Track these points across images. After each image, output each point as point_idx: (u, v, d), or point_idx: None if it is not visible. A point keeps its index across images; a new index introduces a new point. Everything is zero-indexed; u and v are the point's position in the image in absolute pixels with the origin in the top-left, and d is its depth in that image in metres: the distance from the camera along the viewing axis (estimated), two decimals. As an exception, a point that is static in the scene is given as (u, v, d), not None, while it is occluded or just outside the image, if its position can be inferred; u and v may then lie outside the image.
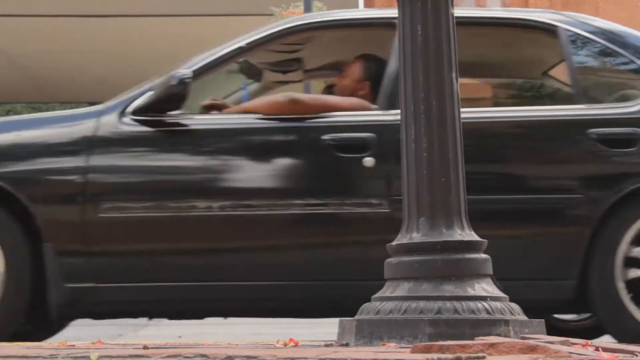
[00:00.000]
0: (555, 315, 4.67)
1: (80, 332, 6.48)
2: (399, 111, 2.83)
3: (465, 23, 3.83)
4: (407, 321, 2.58)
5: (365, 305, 2.75)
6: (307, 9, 10.80)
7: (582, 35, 4.13)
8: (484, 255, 2.74)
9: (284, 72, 4.78)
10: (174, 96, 3.91)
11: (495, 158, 4.01)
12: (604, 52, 4.19)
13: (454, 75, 2.78)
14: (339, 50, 4.57)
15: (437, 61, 2.76)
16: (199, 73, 4.10)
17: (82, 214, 3.82)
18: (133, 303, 3.85)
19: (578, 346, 2.45)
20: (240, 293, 3.83)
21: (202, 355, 2.14)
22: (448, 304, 2.60)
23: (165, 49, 15.39)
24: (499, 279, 2.77)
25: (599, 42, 4.14)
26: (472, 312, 2.59)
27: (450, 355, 2.15)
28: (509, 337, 2.53)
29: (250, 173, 3.92)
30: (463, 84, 3.04)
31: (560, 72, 4.64)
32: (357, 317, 2.72)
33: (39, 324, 4.09)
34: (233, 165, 3.93)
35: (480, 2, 31.81)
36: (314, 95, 5.01)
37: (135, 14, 13.38)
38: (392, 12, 3.66)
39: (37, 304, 3.77)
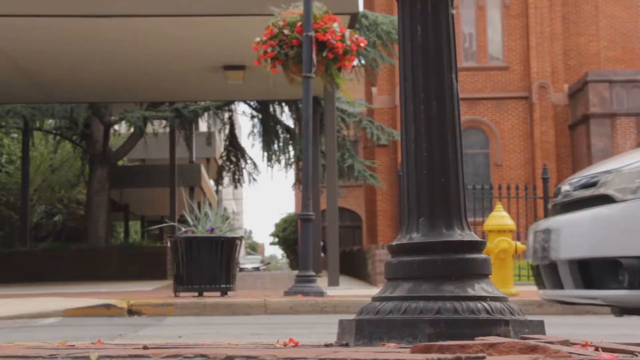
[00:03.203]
0: None
1: (79, 331, 6.47)
2: None
3: None
4: (407, 321, 2.58)
5: (365, 306, 2.74)
6: (307, 9, 10.79)
7: None
8: (483, 255, 2.73)
9: None
10: None
11: None
12: None
13: (453, 75, 2.78)
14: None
15: (437, 61, 2.76)
16: None
17: None
18: None
19: (578, 346, 2.44)
20: None
21: (202, 355, 2.14)
22: (448, 304, 2.59)
23: (165, 49, 15.39)
24: None
25: None
26: (472, 312, 2.58)
27: (450, 356, 2.14)
28: (509, 337, 2.52)
29: None
30: None
31: None
32: (357, 317, 2.72)
33: None
34: None
35: (480, 3, 31.80)
36: None
37: (136, 14, 13.37)
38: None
39: None
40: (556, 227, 4.65)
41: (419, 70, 2.75)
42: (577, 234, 4.46)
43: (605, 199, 4.36)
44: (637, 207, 4.20)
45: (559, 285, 4.57)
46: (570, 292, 4.47)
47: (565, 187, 4.75)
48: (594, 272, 4.32)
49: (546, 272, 4.70)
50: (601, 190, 4.41)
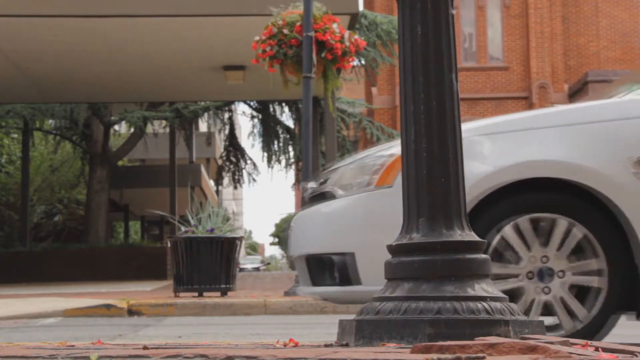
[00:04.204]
0: None
1: (79, 332, 6.48)
2: None
3: None
4: (407, 321, 2.58)
5: (365, 306, 2.74)
6: (307, 9, 10.79)
7: None
8: (483, 256, 2.73)
9: None
10: None
11: None
12: None
13: (453, 75, 2.77)
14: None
15: (437, 61, 2.75)
16: None
17: None
18: None
19: (578, 346, 2.44)
20: None
21: (202, 356, 2.14)
22: (448, 305, 2.59)
23: (165, 49, 15.39)
24: None
25: None
26: (472, 312, 2.58)
27: (450, 356, 2.14)
28: (509, 337, 2.52)
29: None
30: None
31: None
32: (357, 317, 2.72)
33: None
34: None
35: (480, 3, 31.80)
36: None
37: (136, 14, 13.37)
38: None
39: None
40: (293, 224, 4.69)
41: (419, 70, 2.75)
42: (301, 231, 4.50)
43: (330, 196, 4.38)
44: (347, 204, 4.23)
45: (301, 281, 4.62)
46: (304, 289, 4.52)
47: (311, 183, 4.77)
48: (315, 268, 4.37)
49: (297, 267, 4.73)
50: (327, 187, 4.45)
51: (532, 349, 2.19)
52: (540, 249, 4.02)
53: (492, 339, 2.32)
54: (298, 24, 11.11)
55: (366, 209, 4.18)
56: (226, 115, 26.48)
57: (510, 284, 4.01)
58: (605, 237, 4.01)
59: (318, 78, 11.59)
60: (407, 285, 2.67)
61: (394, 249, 2.76)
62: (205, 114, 26.14)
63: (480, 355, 2.15)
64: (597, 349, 2.43)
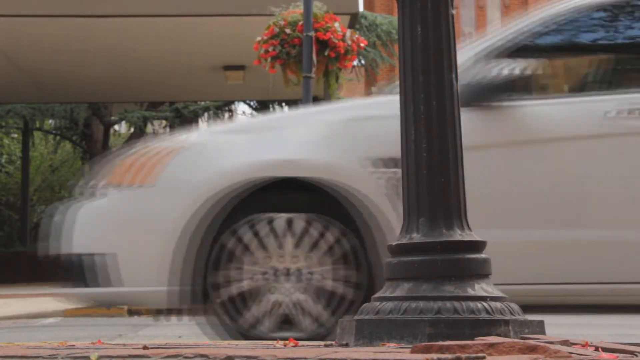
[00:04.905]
0: None
1: (79, 332, 6.48)
2: None
3: None
4: (407, 321, 2.58)
5: (365, 305, 2.74)
6: (307, 9, 10.80)
7: None
8: (483, 256, 2.73)
9: None
10: None
11: None
12: None
13: (453, 75, 2.77)
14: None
15: (437, 61, 2.75)
16: None
17: None
18: None
19: (578, 346, 2.44)
20: None
21: (202, 355, 2.14)
22: (448, 304, 2.59)
23: (165, 49, 15.40)
24: None
25: None
26: (472, 312, 2.58)
27: (450, 356, 2.15)
28: (509, 337, 2.52)
29: None
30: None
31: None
32: (356, 317, 2.72)
33: None
34: None
35: (480, 3, 31.82)
36: None
37: (136, 14, 13.38)
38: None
39: None
40: (63, 219, 4.53)
41: (419, 70, 2.75)
42: (70, 228, 4.35)
43: (101, 193, 4.29)
44: (112, 202, 4.15)
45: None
46: (72, 290, 4.41)
47: (91, 179, 4.66)
48: (79, 269, 4.24)
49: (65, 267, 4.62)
50: (101, 184, 4.33)
51: (532, 349, 2.19)
52: (279, 249, 4.00)
53: (492, 339, 2.33)
54: (300, 23, 11.13)
55: (128, 208, 4.09)
56: (226, 115, 26.50)
57: (246, 285, 3.99)
58: (343, 234, 4.01)
59: (318, 78, 11.60)
60: (407, 285, 2.67)
61: (394, 249, 2.76)
62: (205, 114, 26.16)
63: (480, 355, 2.15)
64: (597, 349, 2.43)
